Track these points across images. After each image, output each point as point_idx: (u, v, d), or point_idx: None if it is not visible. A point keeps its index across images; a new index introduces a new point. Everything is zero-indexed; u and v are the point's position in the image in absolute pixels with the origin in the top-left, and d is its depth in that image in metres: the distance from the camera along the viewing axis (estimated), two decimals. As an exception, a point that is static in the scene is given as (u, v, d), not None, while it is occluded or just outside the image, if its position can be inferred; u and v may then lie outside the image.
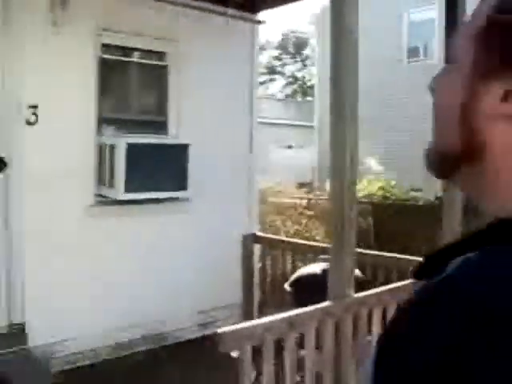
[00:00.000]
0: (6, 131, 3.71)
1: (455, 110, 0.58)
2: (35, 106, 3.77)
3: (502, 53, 0.55)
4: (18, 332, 3.70)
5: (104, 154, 4.06)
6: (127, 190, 3.99)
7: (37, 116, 3.78)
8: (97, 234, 4.00)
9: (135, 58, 4.30)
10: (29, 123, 3.75)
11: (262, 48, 18.96)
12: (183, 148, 4.18)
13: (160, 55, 4.34)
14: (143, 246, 4.22)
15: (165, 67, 4.34)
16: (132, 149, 3.97)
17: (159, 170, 4.12)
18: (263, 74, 26.30)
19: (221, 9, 4.36)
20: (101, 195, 4.10)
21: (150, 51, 4.30)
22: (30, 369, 3.58)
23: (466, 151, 0.59)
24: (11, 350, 3.59)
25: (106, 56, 4.03)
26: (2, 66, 3.68)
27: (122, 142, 3.95)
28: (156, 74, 4.39)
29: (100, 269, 3.99)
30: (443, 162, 0.62)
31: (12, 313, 3.71)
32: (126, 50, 4.21)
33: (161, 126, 4.40)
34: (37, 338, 3.69)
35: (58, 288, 3.78)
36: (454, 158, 0.60)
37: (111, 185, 4.03)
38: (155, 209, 4.26)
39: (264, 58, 27.22)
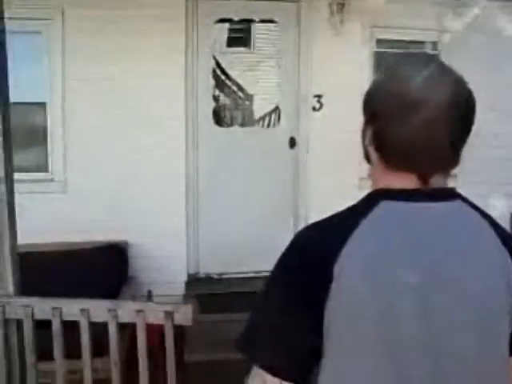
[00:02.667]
0: (296, 117, 4.69)
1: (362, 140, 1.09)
2: (320, 96, 4.63)
3: (365, 113, 1.07)
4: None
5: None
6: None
7: (321, 103, 4.64)
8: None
9: (406, 49, 4.79)
10: (314, 109, 4.63)
11: None
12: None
13: (431, 45, 4.74)
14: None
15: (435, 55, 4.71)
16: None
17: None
18: None
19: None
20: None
21: (420, 42, 4.75)
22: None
23: (366, 158, 1.10)
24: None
25: (379, 50, 4.64)
26: (297, 67, 4.66)
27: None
28: (427, 62, 4.80)
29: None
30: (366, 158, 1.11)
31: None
32: (398, 43, 4.72)
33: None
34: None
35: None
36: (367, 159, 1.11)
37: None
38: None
39: None
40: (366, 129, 1.06)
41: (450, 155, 1.02)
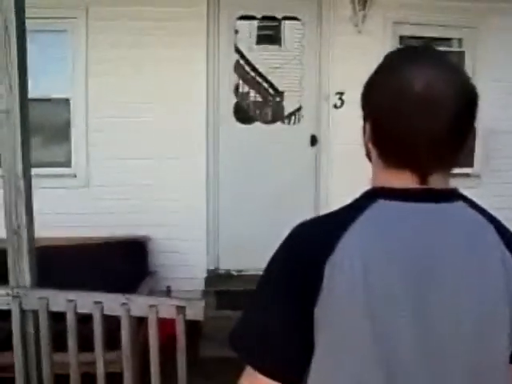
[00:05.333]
0: (317, 114, 4.68)
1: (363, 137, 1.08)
2: (342, 93, 4.60)
3: (363, 108, 1.05)
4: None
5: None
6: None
7: (342, 101, 4.61)
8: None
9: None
10: (335, 107, 4.61)
11: None
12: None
13: (457, 42, 4.67)
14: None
15: (461, 52, 4.64)
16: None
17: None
18: None
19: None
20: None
21: (445, 39, 4.68)
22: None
23: (367, 156, 1.08)
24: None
25: (402, 46, 4.58)
26: (318, 66, 4.65)
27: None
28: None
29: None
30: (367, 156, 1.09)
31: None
32: (422, 40, 4.65)
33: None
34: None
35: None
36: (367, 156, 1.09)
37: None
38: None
39: None
40: (365, 124, 1.04)
41: (450, 153, 0.99)
